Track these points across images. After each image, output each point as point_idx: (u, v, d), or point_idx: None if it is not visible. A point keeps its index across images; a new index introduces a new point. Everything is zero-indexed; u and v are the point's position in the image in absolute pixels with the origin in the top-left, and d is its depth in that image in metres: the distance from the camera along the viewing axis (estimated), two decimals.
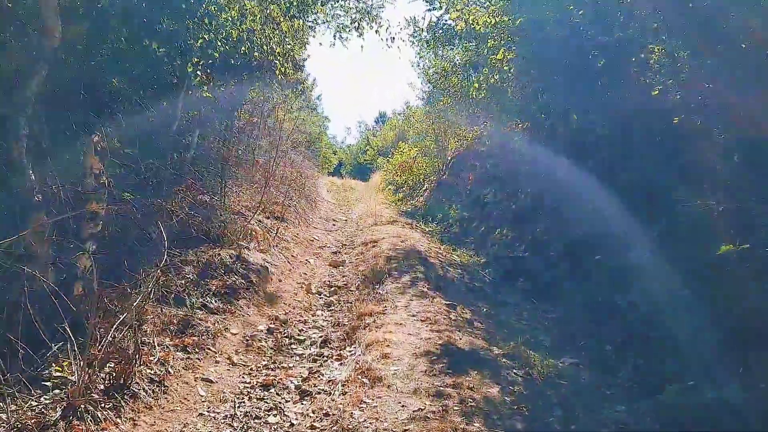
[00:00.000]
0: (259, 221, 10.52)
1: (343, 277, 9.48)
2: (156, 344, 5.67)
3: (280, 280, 8.51)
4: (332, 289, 8.78)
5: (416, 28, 16.10)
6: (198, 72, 8.11)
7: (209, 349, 6.05)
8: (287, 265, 9.40)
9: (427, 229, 15.61)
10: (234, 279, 7.68)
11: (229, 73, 12.00)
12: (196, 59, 8.27)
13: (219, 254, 7.97)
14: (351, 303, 8.01)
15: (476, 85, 10.26)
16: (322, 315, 7.70)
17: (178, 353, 5.76)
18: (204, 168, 11.06)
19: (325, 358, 6.35)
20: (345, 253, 11.08)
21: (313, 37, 18.30)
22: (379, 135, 38.84)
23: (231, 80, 12.36)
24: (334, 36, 14.96)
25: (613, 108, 8.13)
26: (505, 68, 9.29)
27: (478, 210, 15.55)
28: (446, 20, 15.61)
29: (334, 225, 14.07)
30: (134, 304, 5.19)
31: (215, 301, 7.14)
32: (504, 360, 6.35)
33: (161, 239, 6.20)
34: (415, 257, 10.18)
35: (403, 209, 19.51)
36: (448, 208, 17.53)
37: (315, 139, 35.10)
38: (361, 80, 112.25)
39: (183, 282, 7.24)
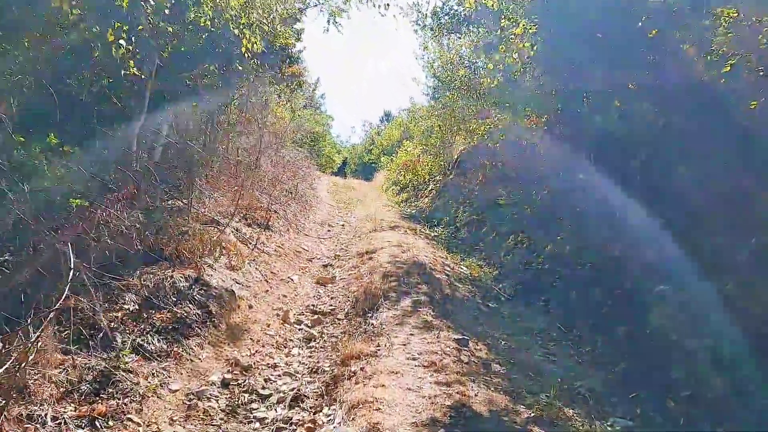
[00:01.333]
0: (236, 230, 8.70)
1: (332, 299, 7.64)
2: (48, 418, 3.86)
3: (250, 306, 6.68)
4: (315, 316, 6.93)
5: (419, 14, 14.21)
6: (121, 43, 6.12)
7: (130, 419, 4.23)
8: (264, 285, 7.57)
9: (432, 235, 13.76)
10: (187, 309, 5.86)
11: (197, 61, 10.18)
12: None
13: (172, 276, 6.14)
14: (337, 338, 6.18)
15: (490, 66, 8.39)
16: (299, 355, 5.86)
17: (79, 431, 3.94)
18: (175, 169, 9.24)
19: (294, 428, 4.51)
20: (337, 267, 9.24)
21: (305, 15, 16.40)
22: (384, 134, 36.95)
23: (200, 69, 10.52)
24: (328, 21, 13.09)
25: (665, 92, 6.24)
26: (525, 46, 7.41)
27: (489, 213, 13.67)
28: (452, 5, 13.78)
29: (329, 231, 12.25)
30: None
31: (157, 341, 5.32)
32: (536, 429, 4.50)
33: (70, 260, 4.40)
34: (418, 272, 8.33)
35: (407, 212, 17.65)
36: (455, 211, 15.67)
37: (318, 137, 33.30)
38: (367, 80, 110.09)
39: (119, 315, 5.44)
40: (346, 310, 7.03)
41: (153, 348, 5.25)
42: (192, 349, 5.43)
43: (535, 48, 7.39)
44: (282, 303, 7.27)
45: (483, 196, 14.50)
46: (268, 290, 7.47)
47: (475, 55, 13.27)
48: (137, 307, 5.68)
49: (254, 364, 5.53)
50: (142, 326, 5.45)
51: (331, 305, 7.30)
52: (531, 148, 12.09)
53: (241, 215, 9.62)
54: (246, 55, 8.35)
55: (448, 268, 9.72)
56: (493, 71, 8.70)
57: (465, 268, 10.33)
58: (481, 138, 10.08)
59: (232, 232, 8.63)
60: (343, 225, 13.27)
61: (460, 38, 15.31)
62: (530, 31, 7.15)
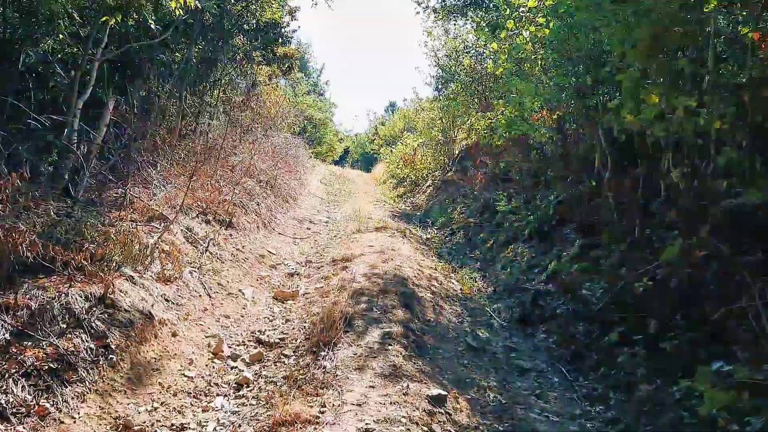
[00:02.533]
0: (187, 230, 7.14)
1: (286, 322, 6.06)
2: None
3: (174, 334, 5.11)
4: (258, 349, 5.35)
5: None
6: None
7: None
8: (203, 301, 6.00)
9: (424, 237, 12.18)
10: (77, 342, 4.30)
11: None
12: None
13: (67, 294, 4.58)
14: (276, 384, 4.62)
15: (494, 45, 6.73)
16: (219, 412, 4.29)
17: None
18: (121, 153, 7.68)
19: None
20: (304, 277, 7.66)
21: None
22: (387, 124, 35.28)
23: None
24: None
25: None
26: (541, 20, 5.78)
27: (488, 217, 12.08)
28: None
29: (308, 229, 10.68)
30: None
31: (20, 390, 3.78)
32: None
33: None
34: (397, 291, 6.77)
35: (401, 208, 16.06)
36: (451, 211, 14.08)
37: (319, 124, 31.66)
38: (374, 69, 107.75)
39: None
40: (298, 340, 5.46)
41: (10, 401, 3.70)
42: (67, 401, 3.87)
43: (551, 24, 5.78)
44: (221, 327, 5.69)
45: (482, 198, 12.90)
46: (207, 309, 5.90)
47: (480, 38, 11.57)
48: (6, 339, 4.14)
49: (152, 425, 3.97)
50: (5, 367, 3.90)
51: (283, 332, 5.72)
52: (539, 148, 10.47)
53: (199, 210, 8.06)
54: (177, 11, 6.67)
55: (436, 283, 8.15)
56: (499, 54, 7.07)
57: (456, 283, 8.75)
58: (482, 134, 8.41)
59: (182, 231, 7.07)
60: (326, 222, 11.69)
61: (466, 23, 13.61)
62: (546, 2, 5.53)
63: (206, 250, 7.00)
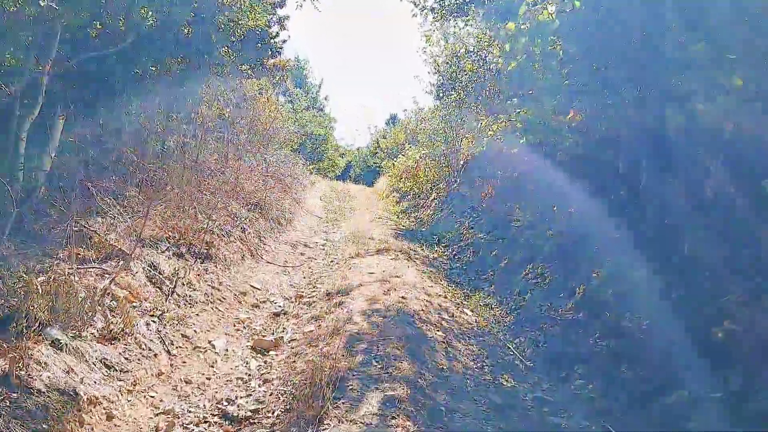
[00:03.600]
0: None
1: (264, 383, 4.73)
2: None
3: (110, 416, 3.82)
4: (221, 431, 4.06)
5: None
6: None
7: None
8: (159, 362, 4.70)
9: (430, 256, 10.87)
10: None
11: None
12: None
13: None
14: None
15: (511, 26, 5.42)
16: None
17: None
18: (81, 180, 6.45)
19: None
20: (292, 318, 6.34)
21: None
22: (389, 137, 34.07)
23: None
24: None
25: None
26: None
27: (500, 232, 10.74)
28: None
29: (302, 255, 9.39)
30: None
31: None
32: None
33: None
34: (401, 334, 5.47)
35: (404, 225, 14.74)
36: (459, 226, 12.77)
37: (319, 140, 30.47)
38: (373, 83, 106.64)
39: None
40: (276, 413, 4.15)
41: None
42: None
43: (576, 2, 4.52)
44: (179, 398, 4.39)
45: (493, 212, 11.59)
46: (163, 372, 4.60)
47: (487, 32, 10.31)
48: None
49: None
50: None
51: (259, 400, 4.40)
52: (554, 156, 9.15)
53: (172, 241, 6.79)
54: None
55: (447, 315, 6.83)
56: (511, 47, 5.79)
57: (469, 313, 7.43)
58: (491, 140, 7.08)
59: (144, 269, 5.79)
60: (323, 245, 10.39)
61: (466, 24, 12.36)
62: None
63: (172, 292, 5.72)
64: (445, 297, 7.81)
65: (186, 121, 8.96)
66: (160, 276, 5.85)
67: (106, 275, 5.38)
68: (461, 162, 16.71)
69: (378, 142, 35.41)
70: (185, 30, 9.94)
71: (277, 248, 9.26)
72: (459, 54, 14.75)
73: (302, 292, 7.29)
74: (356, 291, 6.91)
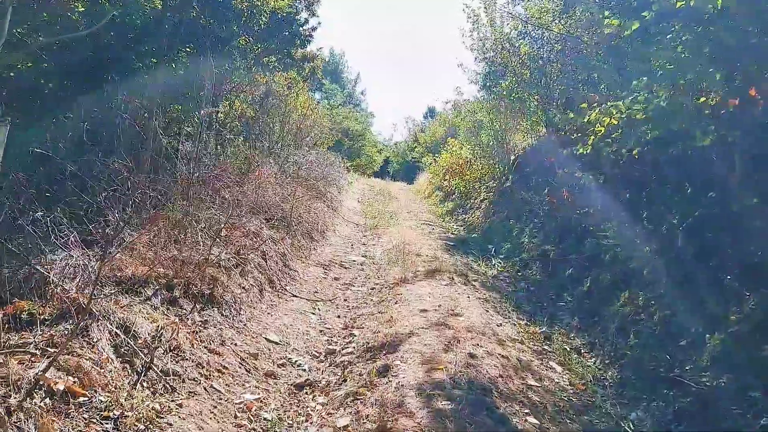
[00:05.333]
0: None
1: None
2: None
3: None
4: None
5: None
6: None
7: None
8: None
9: (489, 274, 8.79)
10: None
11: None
12: None
13: None
14: None
15: None
16: None
17: None
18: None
19: None
20: (320, 392, 4.36)
21: None
22: (427, 131, 31.88)
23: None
24: None
25: None
26: None
27: (573, 244, 8.56)
28: None
29: (336, 280, 7.45)
30: None
31: None
32: None
33: None
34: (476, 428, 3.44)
35: (453, 230, 12.67)
36: (517, 234, 10.63)
37: (357, 136, 28.54)
38: (410, 75, 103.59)
39: None
40: None
41: None
42: None
43: None
44: None
45: (559, 217, 9.41)
46: None
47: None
48: None
49: None
50: None
51: None
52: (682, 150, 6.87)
53: (163, 283, 4.93)
54: None
55: (533, 380, 4.77)
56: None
57: (558, 368, 5.34)
58: (602, 135, 4.92)
59: (110, 334, 3.93)
60: (362, 264, 8.41)
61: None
62: None
63: (148, 369, 3.83)
64: (522, 342, 5.74)
65: (191, 122, 7.09)
66: (133, 343, 3.98)
67: (52, 349, 3.56)
68: (512, 157, 14.53)
69: (416, 137, 33.26)
70: (194, 13, 8.08)
71: (306, 272, 7.33)
72: (511, 37, 12.52)
73: (335, 342, 5.33)
74: (406, 344, 4.92)
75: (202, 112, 6.23)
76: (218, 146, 9.33)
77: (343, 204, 13.87)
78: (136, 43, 7.30)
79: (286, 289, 6.44)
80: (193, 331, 4.55)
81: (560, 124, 8.54)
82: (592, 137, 5.00)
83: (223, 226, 5.60)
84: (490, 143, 14.93)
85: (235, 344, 4.68)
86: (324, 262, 8.09)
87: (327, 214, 10.91)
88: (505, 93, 12.90)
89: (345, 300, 6.62)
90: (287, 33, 11.08)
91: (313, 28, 11.54)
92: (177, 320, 4.59)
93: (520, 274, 8.93)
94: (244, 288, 5.67)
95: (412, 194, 20.60)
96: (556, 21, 10.14)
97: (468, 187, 15.34)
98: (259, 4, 8.70)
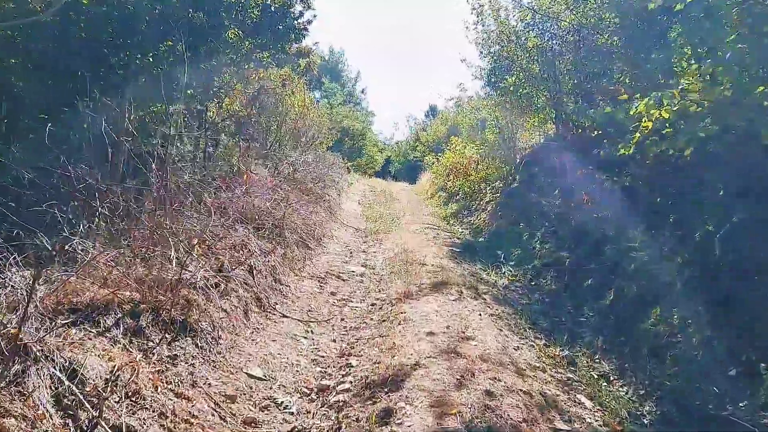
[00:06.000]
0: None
1: None
2: None
3: None
4: None
5: None
6: None
7: None
8: None
9: (500, 283, 8.02)
10: None
11: None
12: None
13: None
14: None
15: None
16: None
17: None
18: None
19: None
20: None
21: None
22: (429, 129, 31.07)
23: None
24: None
25: None
26: None
27: (591, 251, 7.76)
28: None
29: (332, 295, 6.65)
30: None
31: None
32: None
33: None
34: None
35: (458, 234, 11.88)
36: (528, 238, 9.83)
37: (357, 135, 27.74)
38: (411, 72, 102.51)
39: None
40: None
41: None
42: None
43: None
44: None
45: (573, 220, 8.61)
46: None
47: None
48: None
49: None
50: None
51: None
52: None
53: (129, 307, 4.16)
54: None
55: (561, 423, 3.98)
56: None
57: (588, 402, 4.55)
58: (649, 131, 4.14)
59: (52, 381, 3.16)
60: (362, 275, 7.63)
61: None
62: None
63: (95, 426, 3.06)
64: (544, 370, 4.96)
65: (173, 123, 6.28)
66: (80, 390, 3.21)
67: None
68: (518, 157, 13.75)
69: (418, 135, 32.47)
70: (177, 3, 7.29)
71: (299, 287, 6.54)
72: (517, 29, 11.72)
73: (329, 374, 4.55)
74: (412, 379, 4.14)
75: (171, 110, 5.44)
76: (206, 148, 8.55)
77: (343, 207, 13.09)
78: (110, 36, 6.52)
79: (275, 309, 5.66)
80: (159, 370, 3.77)
81: (576, 121, 7.74)
82: (637, 134, 4.18)
83: (196, 242, 4.81)
84: (496, 142, 14.16)
85: (209, 384, 3.90)
86: (320, 273, 7.30)
87: (325, 219, 10.13)
88: (511, 89, 12.11)
89: (342, 320, 5.83)
90: (280, 27, 10.28)
91: (309, 22, 10.72)
92: (140, 356, 3.81)
93: (533, 283, 8.14)
94: (225, 311, 4.89)
95: (414, 195, 19.80)
96: (569, 11, 9.34)
97: (473, 187, 14.55)
98: None
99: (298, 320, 5.55)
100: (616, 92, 5.08)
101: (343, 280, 7.28)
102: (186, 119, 6.83)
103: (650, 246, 6.46)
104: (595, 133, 6.36)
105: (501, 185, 13.33)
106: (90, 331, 3.84)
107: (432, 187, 19.02)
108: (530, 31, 11.36)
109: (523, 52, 11.35)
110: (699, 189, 5.71)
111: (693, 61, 3.77)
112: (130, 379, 3.51)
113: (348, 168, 21.92)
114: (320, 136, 16.00)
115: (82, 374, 3.35)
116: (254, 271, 5.86)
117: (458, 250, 9.48)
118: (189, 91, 8.75)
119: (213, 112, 9.79)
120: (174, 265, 4.62)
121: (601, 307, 6.54)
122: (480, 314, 5.96)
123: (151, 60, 6.51)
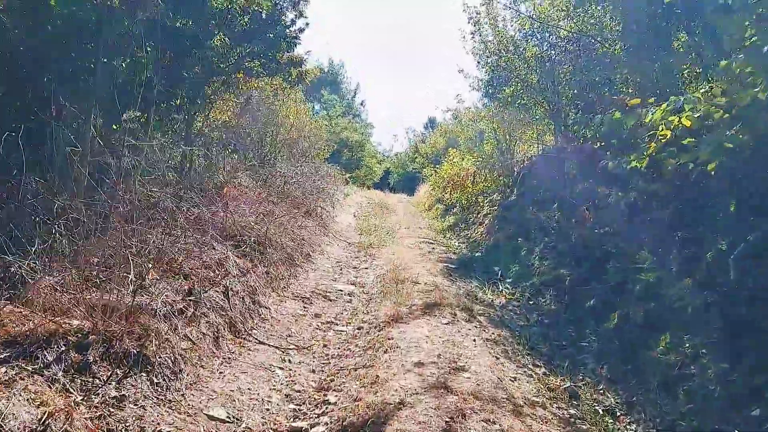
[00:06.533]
0: None
1: None
2: None
3: None
4: None
5: None
6: None
7: None
8: None
9: (496, 302, 7.49)
10: None
11: None
12: None
13: None
14: None
15: None
16: None
17: None
18: None
19: None
20: None
21: None
22: (428, 141, 30.63)
23: None
24: None
25: None
26: None
27: (593, 268, 7.23)
28: None
29: (317, 318, 6.10)
30: None
31: None
32: None
33: None
34: None
35: (454, 248, 11.36)
36: (526, 254, 9.29)
37: (356, 146, 27.28)
38: (407, 71, 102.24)
39: None
40: None
41: None
42: None
43: None
44: None
45: (574, 235, 8.08)
46: None
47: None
48: None
49: None
50: None
51: None
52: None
53: (74, 340, 3.63)
54: None
55: None
56: None
57: None
58: (665, 141, 3.65)
59: None
60: (350, 294, 7.09)
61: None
62: None
63: None
64: (544, 406, 4.41)
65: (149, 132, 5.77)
66: None
67: None
68: (516, 169, 13.25)
69: (417, 147, 32.01)
70: (156, 8, 6.81)
71: (281, 309, 6.01)
72: (516, 39, 11.26)
73: (303, 413, 4.00)
74: (394, 422, 3.60)
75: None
76: (191, 159, 8.08)
77: (337, 220, 12.58)
78: (80, 41, 6.05)
79: (251, 334, 5.13)
80: (100, 415, 3.24)
81: (578, 131, 7.25)
82: (653, 144, 3.68)
83: (151, 264, 4.29)
84: (494, 154, 13.67)
85: (160, 431, 3.36)
86: (305, 293, 6.76)
87: (316, 233, 9.61)
88: (509, 99, 11.65)
89: (324, 346, 5.30)
90: (271, 35, 9.85)
91: (301, 30, 10.29)
92: (80, 398, 3.28)
93: (531, 303, 7.60)
94: (191, 339, 4.35)
95: (412, 207, 19.30)
96: (568, 18, 8.89)
97: (470, 200, 14.04)
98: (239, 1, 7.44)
99: (276, 347, 5.02)
100: (619, 101, 4.59)
101: (330, 300, 6.75)
102: (173, 128, 6.34)
103: (658, 265, 5.93)
104: (599, 144, 5.86)
105: (499, 198, 12.82)
106: (24, 369, 3.32)
107: (429, 199, 18.52)
108: (529, 41, 10.90)
109: (521, 62, 10.89)
110: (713, 204, 5.19)
111: (704, 67, 3.29)
112: (61, 427, 2.98)
113: (346, 179, 21.45)
114: (316, 148, 15.53)
115: (0, 425, 2.82)
116: (230, 293, 5.34)
117: (453, 266, 8.95)
118: (176, 101, 8.29)
119: (200, 122, 9.32)
120: (131, 289, 4.09)
121: (605, 330, 6.00)
122: (474, 339, 5.43)
123: (124, 66, 6.03)
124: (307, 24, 10.33)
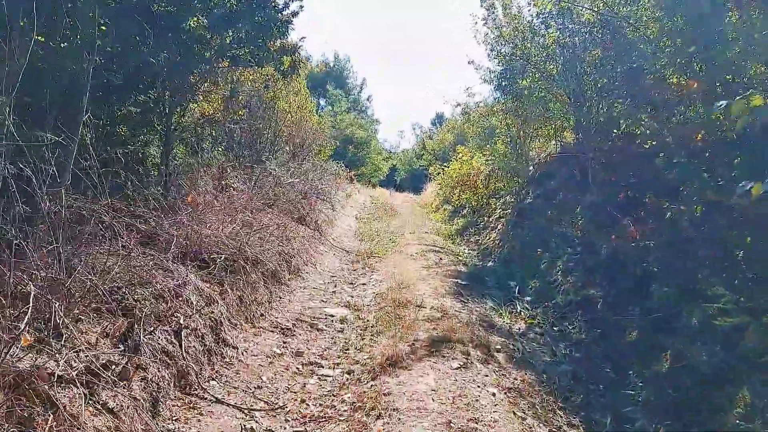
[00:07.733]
0: None
1: None
2: None
3: None
4: None
5: None
6: None
7: None
8: None
9: (515, 330, 6.20)
10: None
11: None
12: None
13: None
14: None
15: None
16: None
17: None
18: None
19: None
20: None
21: None
22: (435, 137, 29.26)
23: None
24: None
25: None
26: None
27: (630, 287, 5.92)
28: None
29: (297, 357, 4.85)
30: None
31: None
32: None
33: None
34: None
35: (464, 256, 10.06)
36: (546, 267, 7.98)
37: (361, 143, 25.97)
38: (407, 71, 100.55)
39: None
40: None
41: None
42: None
43: None
44: None
45: (605, 249, 6.76)
46: None
47: None
48: None
49: None
50: None
51: None
52: None
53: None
54: None
55: None
56: None
57: None
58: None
59: None
60: (342, 321, 5.83)
61: None
62: None
63: None
64: None
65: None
66: None
67: None
68: (531, 168, 11.92)
69: (424, 144, 30.64)
70: None
71: (253, 347, 4.75)
72: (534, 25, 9.92)
73: None
74: None
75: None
76: (163, 161, 6.85)
77: (336, 224, 11.32)
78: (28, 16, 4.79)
79: (206, 389, 3.89)
80: None
81: (626, 129, 5.94)
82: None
83: (53, 312, 3.05)
84: (507, 152, 12.33)
85: None
86: (287, 321, 5.50)
87: (309, 242, 8.35)
88: (525, 92, 10.30)
89: (302, 401, 4.04)
90: (260, 18, 8.55)
91: (294, 14, 8.97)
92: None
93: (556, 329, 6.30)
94: (112, 411, 3.11)
95: (418, 207, 18.00)
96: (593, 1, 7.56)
97: (481, 201, 12.73)
98: None
99: (237, 408, 3.77)
100: (689, 87, 3.32)
101: (318, 330, 5.49)
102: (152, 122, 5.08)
103: (723, 295, 4.63)
104: (648, 143, 4.56)
105: (512, 200, 11.50)
106: None
107: (437, 199, 17.21)
108: (549, 26, 9.55)
109: (539, 51, 9.54)
110: None
111: None
112: None
113: (351, 177, 20.18)
114: (317, 145, 14.27)
115: None
116: (183, 332, 4.10)
117: (464, 282, 7.66)
118: (152, 92, 7.04)
119: (178, 116, 8.08)
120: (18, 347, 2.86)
121: (655, 375, 4.70)
122: (494, 395, 4.15)
123: (63, 46, 4.77)
124: (302, 7, 9.01)
